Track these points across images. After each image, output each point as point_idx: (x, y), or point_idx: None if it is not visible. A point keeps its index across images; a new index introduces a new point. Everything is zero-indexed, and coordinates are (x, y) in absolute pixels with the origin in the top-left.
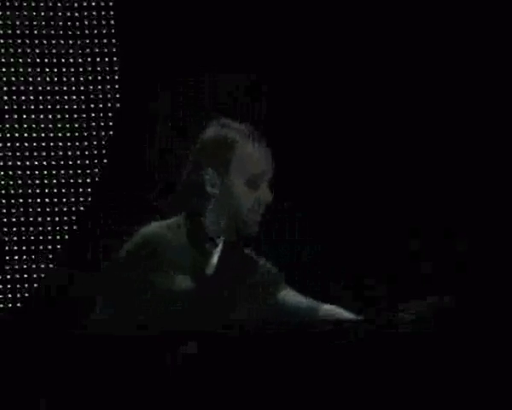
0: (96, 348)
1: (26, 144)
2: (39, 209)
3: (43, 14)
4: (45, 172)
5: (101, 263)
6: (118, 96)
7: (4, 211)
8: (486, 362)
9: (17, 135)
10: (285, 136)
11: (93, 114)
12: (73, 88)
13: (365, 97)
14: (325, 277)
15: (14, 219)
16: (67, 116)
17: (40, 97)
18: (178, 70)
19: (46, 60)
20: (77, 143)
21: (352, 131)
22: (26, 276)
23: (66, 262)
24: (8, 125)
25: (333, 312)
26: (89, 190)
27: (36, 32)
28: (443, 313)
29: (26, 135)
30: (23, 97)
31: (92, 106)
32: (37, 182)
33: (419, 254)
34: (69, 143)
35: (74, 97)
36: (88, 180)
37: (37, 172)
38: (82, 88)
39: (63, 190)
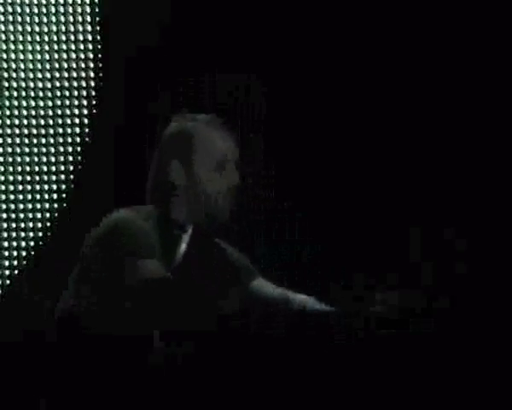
0: (95, 348)
1: (34, 146)
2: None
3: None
4: (46, 172)
5: None
6: (118, 95)
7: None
8: (486, 362)
9: (22, 137)
10: (285, 136)
11: (93, 116)
12: (72, 87)
13: (365, 98)
14: (325, 277)
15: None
16: (68, 117)
17: (39, 94)
18: (178, 70)
19: (45, 57)
20: (77, 143)
21: (352, 131)
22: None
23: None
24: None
25: (306, 303)
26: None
27: (35, 27)
28: (411, 308)
29: (33, 137)
30: (23, 93)
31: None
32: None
33: (419, 254)
34: (70, 142)
35: (73, 96)
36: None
37: (37, 171)
38: (81, 87)
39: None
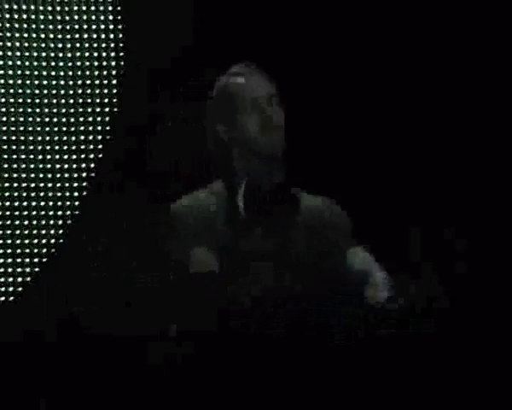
0: (95, 349)
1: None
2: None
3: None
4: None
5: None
6: (118, 96)
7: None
8: (486, 362)
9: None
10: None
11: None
12: (74, 88)
13: (366, 97)
14: None
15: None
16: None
17: (40, 97)
18: (179, 70)
19: (48, 60)
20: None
21: (353, 129)
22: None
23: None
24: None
25: (378, 283)
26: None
27: (38, 28)
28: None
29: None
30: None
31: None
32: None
33: (420, 253)
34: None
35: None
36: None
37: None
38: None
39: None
